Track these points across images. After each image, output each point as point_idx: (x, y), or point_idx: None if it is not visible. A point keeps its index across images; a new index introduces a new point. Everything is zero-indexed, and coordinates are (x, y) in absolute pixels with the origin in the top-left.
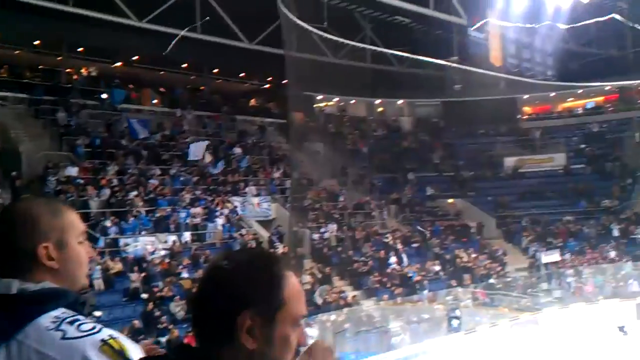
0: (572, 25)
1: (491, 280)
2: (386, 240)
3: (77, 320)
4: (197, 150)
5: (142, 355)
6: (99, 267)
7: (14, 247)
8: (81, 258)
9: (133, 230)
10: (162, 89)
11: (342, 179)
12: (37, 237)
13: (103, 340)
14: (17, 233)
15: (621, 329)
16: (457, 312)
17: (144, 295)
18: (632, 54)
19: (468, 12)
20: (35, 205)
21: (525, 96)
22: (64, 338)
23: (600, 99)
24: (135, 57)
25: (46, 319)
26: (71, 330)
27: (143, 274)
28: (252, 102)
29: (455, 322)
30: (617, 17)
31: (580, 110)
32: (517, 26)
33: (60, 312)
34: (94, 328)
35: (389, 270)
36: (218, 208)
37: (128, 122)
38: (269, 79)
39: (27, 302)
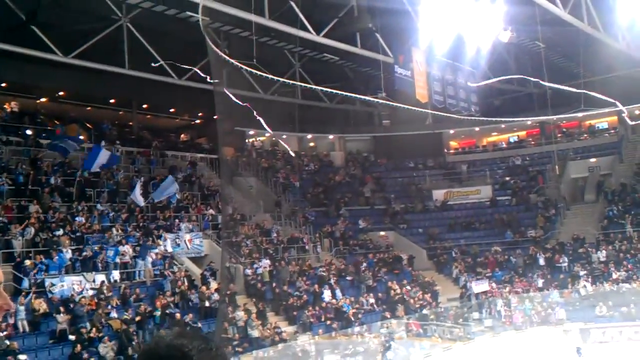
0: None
1: (424, 311)
2: (321, 273)
3: None
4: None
5: None
6: (22, 308)
7: None
8: None
9: (59, 269)
10: (89, 125)
11: (276, 214)
12: None
13: None
14: None
15: (577, 350)
16: (392, 344)
17: (72, 337)
18: (550, 90)
19: (393, 50)
20: None
21: (451, 131)
22: None
23: (523, 133)
24: (61, 93)
25: None
26: None
27: (70, 315)
28: (183, 137)
29: (390, 355)
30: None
31: (503, 145)
32: (441, 64)
33: None
34: None
35: (323, 304)
36: (148, 245)
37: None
38: (199, 114)
39: None
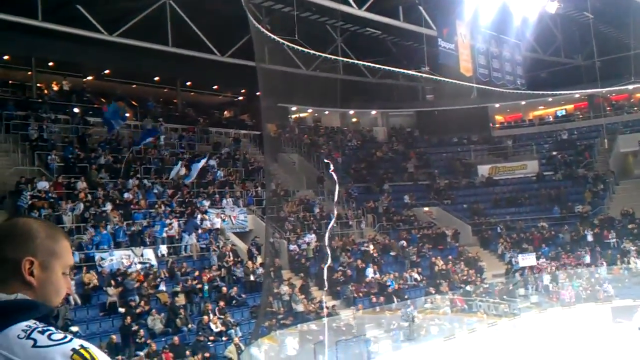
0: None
1: (468, 287)
2: (364, 248)
3: (49, 330)
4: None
5: None
6: (73, 282)
7: (1, 255)
8: (60, 287)
9: (108, 244)
10: (134, 102)
11: (318, 189)
12: (26, 251)
13: (74, 350)
14: (8, 242)
15: None
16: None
17: (121, 310)
18: (599, 62)
19: (437, 23)
20: (35, 224)
21: (497, 105)
22: (34, 346)
23: (570, 106)
24: (107, 71)
25: (17, 328)
26: (42, 339)
27: (120, 288)
28: (226, 114)
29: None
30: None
31: (550, 118)
32: (486, 36)
33: (32, 322)
34: (65, 338)
35: (367, 280)
36: (194, 220)
37: (103, 116)
38: (242, 91)
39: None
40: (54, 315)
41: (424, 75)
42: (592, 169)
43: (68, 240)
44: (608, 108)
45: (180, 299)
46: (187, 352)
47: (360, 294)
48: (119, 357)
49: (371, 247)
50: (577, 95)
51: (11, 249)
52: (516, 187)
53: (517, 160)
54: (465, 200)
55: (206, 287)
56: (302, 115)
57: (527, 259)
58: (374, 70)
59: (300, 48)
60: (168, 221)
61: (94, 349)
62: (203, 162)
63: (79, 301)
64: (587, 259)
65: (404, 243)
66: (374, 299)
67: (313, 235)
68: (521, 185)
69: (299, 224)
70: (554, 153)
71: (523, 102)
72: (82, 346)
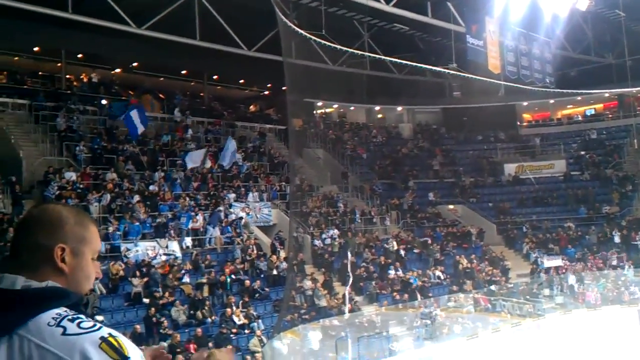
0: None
1: (492, 287)
2: (387, 246)
3: (78, 318)
4: (195, 157)
5: (139, 355)
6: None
7: (32, 241)
8: (90, 272)
9: (134, 235)
10: (161, 95)
11: (343, 185)
12: (57, 237)
13: (102, 338)
14: (40, 228)
15: None
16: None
17: (146, 300)
18: (630, 61)
19: (466, 20)
20: (64, 210)
21: (525, 103)
22: (64, 334)
23: (600, 106)
24: (135, 64)
25: (48, 316)
26: (72, 327)
27: (145, 279)
28: (252, 108)
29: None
30: None
31: (579, 117)
32: (515, 33)
33: (62, 310)
34: (94, 326)
35: (390, 276)
36: (219, 213)
37: (126, 118)
38: (268, 85)
39: (30, 298)
40: (84, 303)
41: (452, 72)
42: (621, 169)
43: (96, 225)
44: (638, 108)
45: (204, 291)
46: (210, 344)
47: (384, 291)
48: (143, 347)
49: (394, 244)
50: (607, 95)
51: (42, 235)
52: (543, 186)
53: (544, 160)
54: (491, 199)
55: (228, 280)
56: (327, 110)
57: (552, 260)
58: (401, 66)
59: (327, 43)
60: (193, 214)
61: (122, 338)
62: (232, 145)
63: (103, 290)
64: (614, 261)
65: (428, 240)
66: (397, 296)
67: (336, 231)
68: (548, 184)
69: (322, 219)
70: (582, 153)
71: (552, 101)
72: (110, 334)
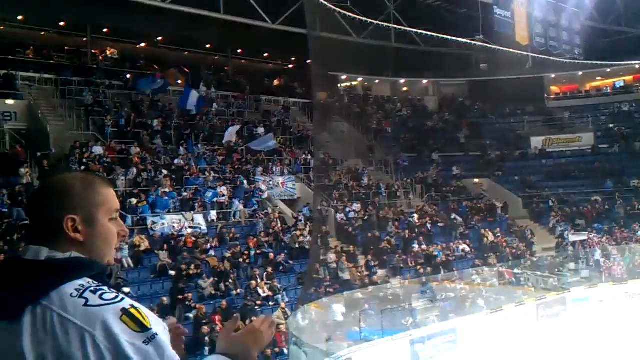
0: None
1: (517, 260)
2: (411, 220)
3: (101, 289)
4: (232, 133)
5: (162, 327)
6: (126, 245)
7: (43, 217)
8: (109, 235)
9: (161, 208)
10: (186, 69)
11: (367, 159)
12: (65, 208)
13: (124, 310)
14: (48, 203)
15: None
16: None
17: (172, 272)
18: None
19: None
20: (69, 178)
21: (552, 75)
22: (86, 305)
23: (629, 77)
24: (160, 38)
25: (71, 287)
26: (94, 298)
27: (170, 252)
28: (276, 82)
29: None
30: None
31: (608, 90)
32: (543, 4)
33: (85, 281)
34: (116, 297)
35: (414, 250)
36: (244, 186)
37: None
38: (292, 59)
39: (54, 269)
40: (108, 273)
41: (479, 43)
42: None
43: (108, 184)
44: None
45: (228, 264)
46: (235, 315)
47: (408, 265)
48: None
49: (415, 217)
50: (637, 66)
51: (50, 209)
52: (570, 160)
53: (572, 133)
54: (517, 172)
55: (252, 253)
56: (352, 83)
57: (578, 234)
58: (427, 38)
59: (352, 15)
60: (219, 188)
61: (144, 310)
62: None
63: (131, 264)
64: None
65: (453, 215)
66: (421, 270)
67: (359, 205)
68: (575, 158)
69: (346, 193)
70: (611, 125)
71: (580, 73)
72: (132, 306)
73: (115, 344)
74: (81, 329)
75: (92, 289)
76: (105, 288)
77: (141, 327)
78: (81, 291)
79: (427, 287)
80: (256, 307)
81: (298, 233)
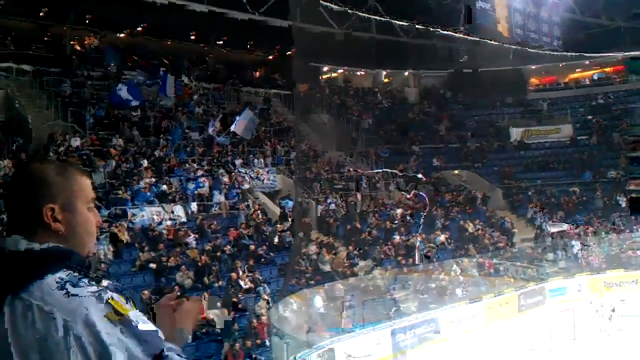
0: None
1: (497, 251)
2: (392, 210)
3: (81, 281)
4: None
5: (142, 316)
6: (104, 237)
7: (20, 205)
8: (89, 224)
9: (140, 200)
10: (166, 61)
11: (348, 151)
12: (43, 197)
13: (104, 300)
14: (24, 192)
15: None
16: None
17: (152, 265)
18: None
19: None
20: (46, 167)
21: (532, 67)
22: (66, 296)
23: (609, 69)
24: (140, 28)
25: (51, 279)
26: (74, 290)
27: (150, 244)
28: (258, 73)
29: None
30: None
31: (587, 81)
32: None
33: (65, 273)
34: (96, 289)
35: (395, 241)
36: (223, 179)
37: (163, 78)
38: (274, 49)
39: (33, 260)
40: (87, 265)
41: (459, 35)
42: (630, 133)
43: (85, 174)
44: None
45: (209, 256)
46: (218, 304)
47: (389, 256)
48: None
49: (398, 210)
50: (619, 58)
51: (29, 199)
52: (549, 151)
53: (550, 124)
54: (497, 164)
55: (234, 245)
56: (332, 75)
57: (557, 225)
58: (408, 29)
59: (333, 6)
60: (199, 179)
61: (122, 301)
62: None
63: (110, 256)
64: (619, 226)
65: (433, 206)
66: (402, 261)
67: (340, 196)
68: (554, 149)
69: (327, 184)
70: (589, 117)
71: (560, 65)
72: (112, 297)
73: (96, 334)
74: (62, 320)
75: (72, 281)
76: (86, 280)
77: (120, 317)
78: (61, 283)
79: (404, 280)
80: (238, 298)
81: (279, 224)
